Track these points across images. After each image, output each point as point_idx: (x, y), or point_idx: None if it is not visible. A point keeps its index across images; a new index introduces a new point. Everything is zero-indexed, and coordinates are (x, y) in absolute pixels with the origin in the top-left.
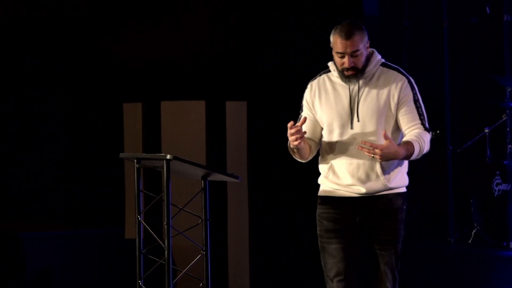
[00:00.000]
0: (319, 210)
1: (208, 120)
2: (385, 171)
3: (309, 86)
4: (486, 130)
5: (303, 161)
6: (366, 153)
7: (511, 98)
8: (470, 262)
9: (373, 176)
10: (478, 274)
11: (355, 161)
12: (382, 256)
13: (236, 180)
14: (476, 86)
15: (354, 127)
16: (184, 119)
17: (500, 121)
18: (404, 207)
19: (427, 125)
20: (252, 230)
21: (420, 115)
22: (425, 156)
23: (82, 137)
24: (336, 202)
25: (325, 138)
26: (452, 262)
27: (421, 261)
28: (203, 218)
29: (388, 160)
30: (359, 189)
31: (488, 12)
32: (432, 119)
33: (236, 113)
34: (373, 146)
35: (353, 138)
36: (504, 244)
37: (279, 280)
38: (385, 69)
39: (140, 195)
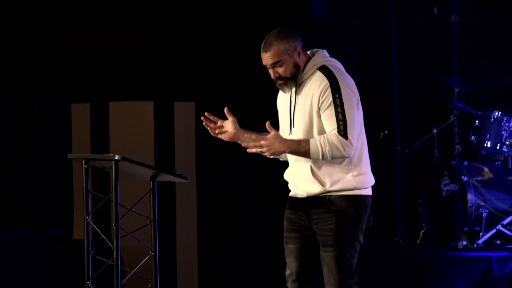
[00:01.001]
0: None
1: (156, 121)
2: (320, 174)
3: None
4: (434, 131)
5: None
6: (252, 149)
7: (459, 98)
8: (418, 262)
9: (309, 179)
10: (426, 274)
11: (294, 165)
12: (323, 257)
13: (184, 181)
14: (424, 87)
15: (292, 133)
16: (132, 119)
17: (448, 122)
18: (352, 209)
19: (344, 131)
20: (200, 230)
21: (339, 120)
22: (373, 156)
23: (29, 137)
24: (291, 202)
25: None
26: (401, 262)
27: (369, 262)
28: (152, 219)
29: (276, 154)
30: (302, 192)
31: (436, 12)
32: (381, 119)
33: (184, 114)
34: (258, 138)
35: None
36: (452, 244)
37: (228, 280)
38: (318, 72)
39: (88, 195)
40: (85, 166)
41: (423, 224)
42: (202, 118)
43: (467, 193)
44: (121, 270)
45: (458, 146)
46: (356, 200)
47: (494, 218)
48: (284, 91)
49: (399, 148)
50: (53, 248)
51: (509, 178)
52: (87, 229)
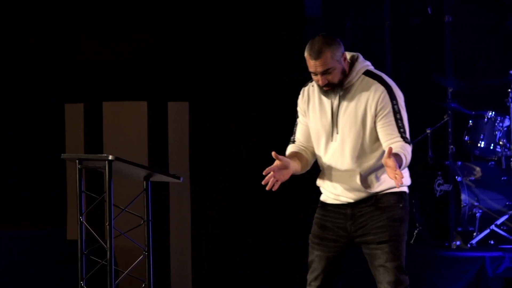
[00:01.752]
0: (316, 214)
1: (150, 121)
2: (368, 178)
3: (301, 92)
4: (428, 131)
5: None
6: (398, 181)
7: (452, 98)
8: (412, 262)
9: (355, 186)
10: (420, 274)
11: (338, 173)
12: (376, 256)
13: (178, 181)
14: (418, 87)
15: (334, 139)
16: (126, 119)
17: (442, 122)
18: (401, 205)
19: (407, 138)
20: (194, 230)
21: (400, 128)
22: None
23: (24, 137)
24: (327, 209)
25: (314, 147)
26: None
27: (362, 262)
28: (145, 219)
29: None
30: (347, 199)
31: (429, 12)
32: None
33: (178, 114)
34: (390, 167)
35: (335, 150)
36: (446, 244)
37: (221, 281)
38: (367, 78)
39: (82, 196)
40: (78, 166)
41: (417, 224)
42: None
43: (460, 193)
44: (114, 270)
45: (451, 146)
46: (402, 197)
47: (488, 218)
48: (329, 97)
49: None
50: (47, 248)
51: (502, 178)
52: (80, 229)
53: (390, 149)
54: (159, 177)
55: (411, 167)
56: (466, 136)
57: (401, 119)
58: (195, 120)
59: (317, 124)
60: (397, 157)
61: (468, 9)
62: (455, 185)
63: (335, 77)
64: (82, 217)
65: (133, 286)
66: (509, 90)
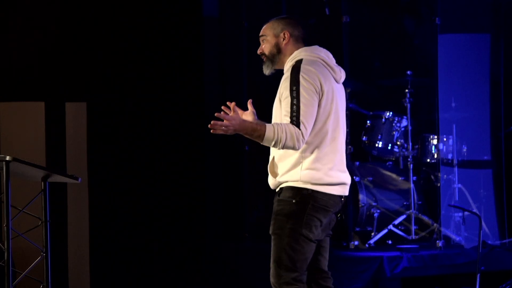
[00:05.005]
0: None
1: (47, 121)
2: (277, 166)
3: None
4: None
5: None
6: (217, 130)
7: (350, 99)
8: None
9: (270, 170)
10: None
11: (270, 158)
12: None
13: (76, 181)
14: None
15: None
16: (23, 120)
17: None
18: (294, 200)
19: (298, 122)
20: (92, 231)
21: (293, 111)
22: (265, 156)
23: None
24: None
25: None
26: None
27: (262, 262)
28: (43, 220)
29: (235, 132)
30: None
31: (327, 13)
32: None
33: (76, 114)
34: (223, 118)
35: None
36: (344, 244)
37: (120, 281)
38: (291, 63)
39: None
40: None
41: None
42: (222, 107)
43: (358, 193)
44: (12, 271)
45: (349, 147)
46: (300, 193)
47: (386, 218)
48: (264, 69)
49: None
50: None
51: (400, 179)
52: None
53: (234, 103)
54: (57, 178)
55: None
56: (364, 136)
57: (297, 104)
58: (93, 120)
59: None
60: (261, 125)
61: (365, 10)
62: (353, 185)
63: (265, 47)
64: None
65: (31, 287)
66: (406, 90)
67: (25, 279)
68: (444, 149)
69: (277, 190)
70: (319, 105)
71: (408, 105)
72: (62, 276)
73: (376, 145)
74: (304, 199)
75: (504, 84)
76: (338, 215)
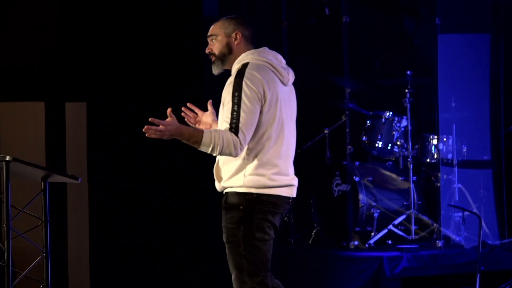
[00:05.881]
0: None
1: (47, 121)
2: (221, 170)
3: None
4: (326, 131)
5: None
6: (152, 135)
7: (350, 99)
8: (310, 262)
9: (215, 175)
10: (318, 274)
11: (216, 162)
12: (227, 253)
13: (76, 181)
14: (315, 87)
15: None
16: (23, 120)
17: (340, 122)
18: (241, 207)
19: (235, 128)
20: (92, 231)
21: (233, 118)
22: None
23: None
24: None
25: None
26: (293, 262)
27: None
28: (43, 220)
29: (172, 137)
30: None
31: (327, 13)
32: None
33: (76, 114)
34: (158, 123)
35: None
36: (344, 244)
37: (120, 281)
38: (237, 66)
39: None
40: None
41: (315, 225)
42: (183, 108)
43: (358, 193)
44: (12, 271)
45: (349, 147)
46: (246, 198)
47: (386, 218)
48: (213, 70)
49: None
50: None
51: (400, 178)
52: None
53: (170, 109)
54: (57, 178)
55: (309, 167)
56: (364, 136)
57: (237, 111)
58: (93, 120)
59: None
60: (197, 131)
61: (365, 10)
62: (353, 185)
63: (215, 47)
64: None
65: (31, 287)
66: (406, 90)
67: (25, 279)
68: (444, 149)
69: (223, 193)
70: (261, 112)
71: (408, 105)
72: (62, 276)
73: (376, 145)
74: (251, 204)
75: (504, 84)
76: (285, 218)
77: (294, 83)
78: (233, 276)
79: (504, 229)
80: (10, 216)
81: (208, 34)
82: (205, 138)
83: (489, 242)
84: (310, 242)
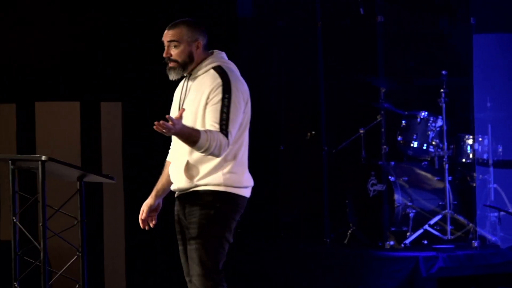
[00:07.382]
0: None
1: (83, 121)
2: (193, 169)
3: None
4: (361, 131)
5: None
6: (161, 128)
7: (385, 99)
8: (345, 262)
9: (182, 173)
10: (353, 274)
11: (177, 162)
12: (188, 251)
13: (111, 181)
14: (351, 87)
15: None
16: (58, 120)
17: (375, 122)
18: (218, 205)
19: (226, 131)
20: (128, 231)
21: (223, 119)
22: (301, 156)
23: None
24: (175, 201)
25: None
26: (328, 262)
27: (297, 262)
28: (79, 219)
29: (175, 134)
30: (176, 189)
31: (362, 13)
32: (307, 120)
33: (111, 114)
34: (171, 120)
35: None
36: (380, 244)
37: (155, 282)
38: (212, 71)
39: (15, 196)
40: (11, 166)
41: (351, 224)
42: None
43: (394, 193)
44: (48, 271)
45: (384, 146)
46: (223, 197)
47: (421, 218)
48: (170, 75)
49: (326, 148)
50: None
51: (435, 178)
52: (14, 230)
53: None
54: (92, 178)
55: (344, 167)
56: (399, 136)
57: (227, 112)
58: (128, 120)
59: (172, 109)
60: (195, 131)
61: (399, 9)
62: (389, 185)
63: (178, 55)
64: (15, 218)
65: (67, 286)
66: (442, 90)
67: (61, 278)
68: (480, 149)
69: (189, 191)
70: (244, 112)
71: (443, 105)
72: (98, 275)
73: (411, 145)
74: (227, 203)
75: None
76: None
77: (329, 83)
78: (195, 273)
79: None
80: (46, 216)
81: (169, 38)
82: (202, 139)
83: None
84: (345, 242)
